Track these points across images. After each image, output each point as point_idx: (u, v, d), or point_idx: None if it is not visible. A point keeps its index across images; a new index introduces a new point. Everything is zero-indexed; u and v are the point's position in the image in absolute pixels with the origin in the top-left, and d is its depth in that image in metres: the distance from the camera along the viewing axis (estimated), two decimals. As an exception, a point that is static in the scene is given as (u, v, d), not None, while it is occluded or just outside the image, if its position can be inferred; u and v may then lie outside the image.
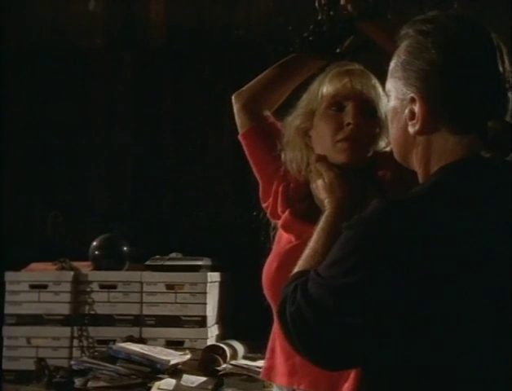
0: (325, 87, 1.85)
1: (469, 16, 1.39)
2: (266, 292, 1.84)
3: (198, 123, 3.84)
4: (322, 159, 1.80)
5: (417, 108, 1.35)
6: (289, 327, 1.31)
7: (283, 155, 1.89)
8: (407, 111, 1.37)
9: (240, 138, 1.99)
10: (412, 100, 1.36)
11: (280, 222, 1.90)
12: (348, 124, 1.79)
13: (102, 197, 3.99)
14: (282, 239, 1.89)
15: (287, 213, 1.88)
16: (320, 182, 1.76)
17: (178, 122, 3.98)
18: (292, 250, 1.78)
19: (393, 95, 1.41)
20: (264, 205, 1.96)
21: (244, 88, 2.01)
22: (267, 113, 1.99)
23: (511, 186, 1.32)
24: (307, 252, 1.53)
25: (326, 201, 1.70)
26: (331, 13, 1.89)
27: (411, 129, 1.37)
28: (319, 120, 1.85)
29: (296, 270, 1.47)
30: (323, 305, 1.27)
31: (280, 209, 1.90)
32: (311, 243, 1.55)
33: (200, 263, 3.47)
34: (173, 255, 3.57)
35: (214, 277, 3.50)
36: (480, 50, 1.35)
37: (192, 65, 3.95)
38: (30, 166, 4.03)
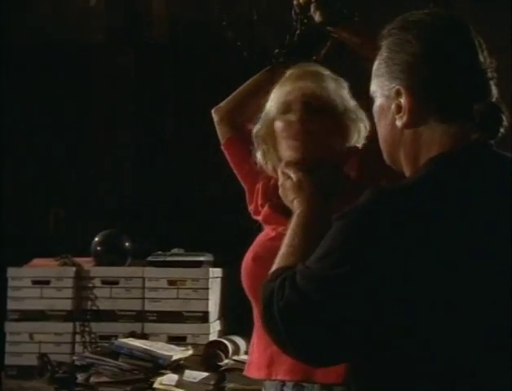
0: (276, 94, 1.93)
1: (445, 12, 1.42)
2: (243, 283, 1.89)
3: (200, 120, 3.84)
4: (289, 164, 1.84)
5: (403, 100, 1.36)
6: (276, 322, 1.28)
7: (258, 158, 1.96)
8: (393, 105, 1.38)
9: (222, 148, 2.11)
10: (398, 93, 1.37)
11: (260, 217, 1.98)
12: (292, 122, 1.86)
13: (103, 193, 3.99)
14: (262, 233, 1.97)
15: (266, 206, 1.96)
16: (287, 183, 1.77)
17: (180, 119, 3.98)
18: (267, 242, 1.87)
19: (378, 94, 1.42)
20: (250, 208, 2.03)
21: (222, 103, 2.13)
22: (247, 123, 2.07)
23: (501, 174, 1.33)
24: (285, 249, 1.50)
25: (296, 201, 1.70)
26: (305, 21, 1.96)
27: (398, 123, 1.37)
28: (275, 125, 1.92)
29: (275, 267, 1.44)
30: (313, 299, 1.24)
31: (260, 203, 1.98)
32: (288, 241, 1.52)
33: (202, 259, 3.47)
34: (175, 251, 3.57)
35: (215, 272, 3.50)
36: (460, 40, 1.37)
37: (194, 61, 3.95)
38: (32, 162, 4.03)
